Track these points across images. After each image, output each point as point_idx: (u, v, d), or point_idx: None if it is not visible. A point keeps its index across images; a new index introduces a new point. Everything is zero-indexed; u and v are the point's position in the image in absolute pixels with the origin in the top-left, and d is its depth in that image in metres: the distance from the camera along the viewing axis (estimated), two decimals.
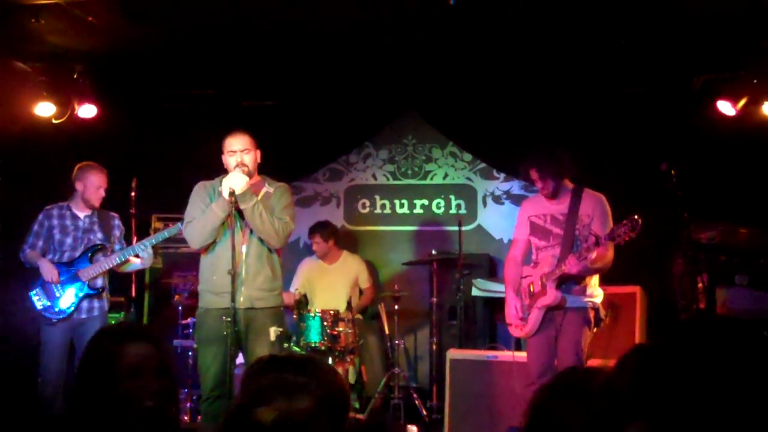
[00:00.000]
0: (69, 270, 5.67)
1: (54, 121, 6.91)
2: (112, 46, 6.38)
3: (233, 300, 4.59)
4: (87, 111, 6.95)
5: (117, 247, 5.82)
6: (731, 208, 6.50)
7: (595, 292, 5.03)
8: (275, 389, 2.08)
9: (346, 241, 7.79)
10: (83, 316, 5.68)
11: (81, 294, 5.67)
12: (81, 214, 5.80)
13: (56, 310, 5.61)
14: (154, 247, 5.80)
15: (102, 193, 5.85)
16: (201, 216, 4.88)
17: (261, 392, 2.08)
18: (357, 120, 7.72)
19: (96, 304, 5.76)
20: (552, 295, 4.93)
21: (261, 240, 4.83)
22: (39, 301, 5.61)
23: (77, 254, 5.72)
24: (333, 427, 2.10)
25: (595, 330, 5.06)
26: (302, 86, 7.41)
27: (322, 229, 7.42)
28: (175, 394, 2.53)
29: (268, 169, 7.41)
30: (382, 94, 7.48)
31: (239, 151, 4.89)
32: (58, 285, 5.63)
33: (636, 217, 4.54)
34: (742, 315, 5.51)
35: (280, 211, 4.91)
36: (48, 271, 5.58)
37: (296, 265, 7.52)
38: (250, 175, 4.87)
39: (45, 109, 6.80)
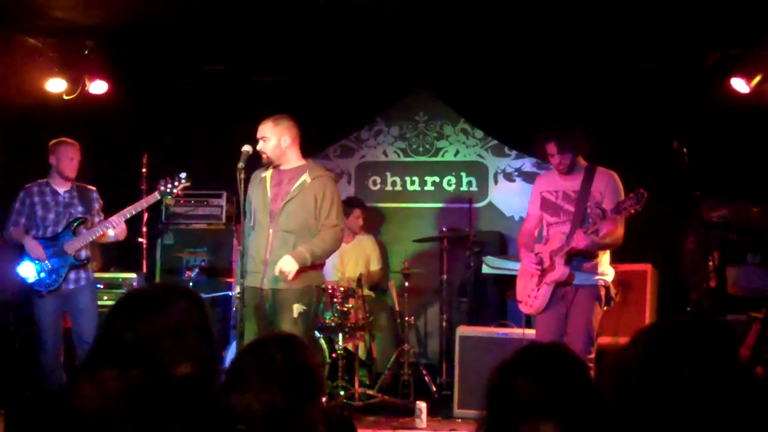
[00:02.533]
0: (54, 244, 5.75)
1: (65, 97, 6.92)
2: (123, 21, 6.37)
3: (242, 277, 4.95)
4: (98, 87, 6.96)
5: (96, 219, 5.89)
6: (744, 186, 6.46)
7: (606, 270, 5.01)
8: (249, 376, 2.16)
9: None
10: (71, 286, 5.78)
11: (67, 266, 5.76)
12: (60, 190, 5.87)
13: (46, 283, 5.71)
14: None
15: (75, 164, 5.90)
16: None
17: (237, 378, 2.17)
18: (368, 96, 7.69)
19: (82, 274, 5.84)
20: (560, 271, 4.91)
21: (284, 228, 5.03)
22: (26, 275, 5.69)
23: (60, 228, 5.80)
24: (302, 408, 2.17)
25: (605, 308, 5.05)
26: (313, 62, 7.38)
27: (360, 203, 7.44)
28: (216, 360, 2.30)
29: None
30: (394, 71, 7.44)
31: (259, 139, 5.14)
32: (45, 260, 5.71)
33: (641, 190, 4.54)
34: (752, 294, 5.50)
35: (328, 216, 5.06)
36: (34, 249, 5.67)
37: None
38: (270, 162, 5.14)
39: (56, 85, 6.81)
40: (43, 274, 5.70)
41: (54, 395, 5.72)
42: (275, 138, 5.14)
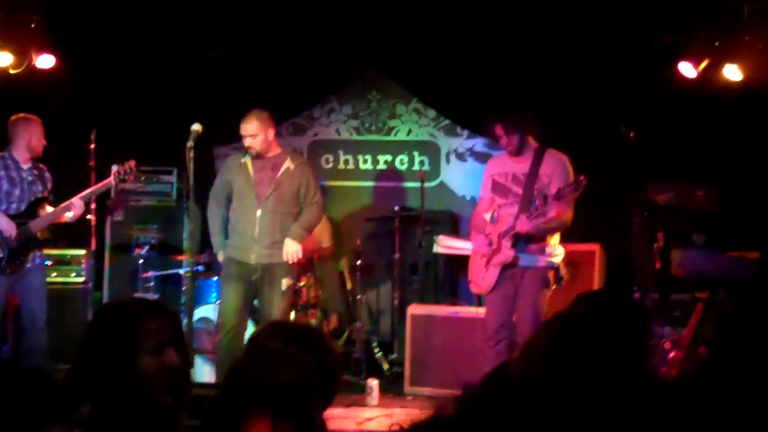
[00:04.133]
0: (19, 223, 5.62)
1: (11, 71, 6.76)
2: None
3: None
4: (45, 61, 6.80)
5: (51, 198, 5.82)
6: (691, 170, 6.60)
7: (555, 251, 5.10)
8: (275, 357, 2.16)
9: None
10: (28, 265, 5.69)
11: (33, 246, 5.69)
12: (24, 166, 5.75)
13: (12, 261, 5.60)
14: None
15: (44, 142, 5.84)
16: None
17: (263, 355, 2.17)
18: (321, 74, 7.66)
19: (38, 254, 5.78)
20: (506, 253, 4.99)
21: (273, 210, 5.52)
22: None
23: (23, 207, 5.69)
24: (323, 399, 2.19)
25: (554, 287, 5.14)
26: (266, 39, 7.32)
27: None
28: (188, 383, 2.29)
29: (229, 123, 7.40)
30: (347, 49, 7.42)
31: (248, 137, 5.51)
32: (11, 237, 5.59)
33: (581, 177, 4.68)
34: (697, 275, 5.63)
35: (312, 196, 5.66)
36: (6, 225, 5.53)
37: None
38: (259, 155, 5.53)
39: (2, 59, 6.65)
40: (9, 253, 5.57)
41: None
42: (262, 133, 5.53)
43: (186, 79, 7.55)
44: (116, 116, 7.42)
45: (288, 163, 5.58)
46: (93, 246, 6.86)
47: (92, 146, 6.62)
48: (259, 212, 5.51)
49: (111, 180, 5.84)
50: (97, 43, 7.26)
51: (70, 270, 6.89)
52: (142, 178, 7.20)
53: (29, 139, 5.72)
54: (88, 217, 6.73)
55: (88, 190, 5.75)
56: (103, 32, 7.14)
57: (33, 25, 6.59)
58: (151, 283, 6.77)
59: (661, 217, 5.78)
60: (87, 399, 2.20)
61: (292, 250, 5.49)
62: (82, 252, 6.86)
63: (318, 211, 5.77)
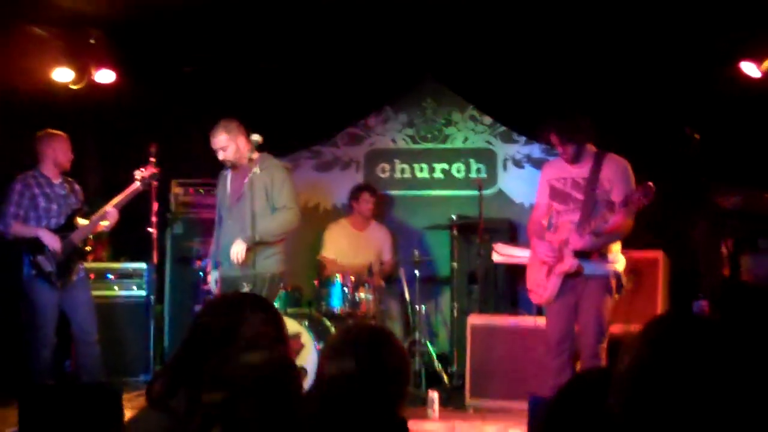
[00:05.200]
0: (62, 236, 5.73)
1: (72, 87, 6.89)
2: (128, 10, 6.34)
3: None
4: (105, 76, 6.93)
5: (85, 209, 5.93)
6: (756, 173, 6.40)
7: (617, 258, 4.96)
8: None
9: None
10: (74, 278, 5.79)
11: (78, 258, 5.80)
12: (55, 181, 5.85)
13: (60, 274, 5.71)
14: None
15: (71, 156, 5.94)
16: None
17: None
18: (376, 83, 7.64)
19: (81, 266, 5.89)
20: (569, 263, 4.86)
21: (241, 222, 5.42)
22: (45, 267, 5.65)
23: (62, 221, 5.80)
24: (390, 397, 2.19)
25: (616, 297, 5.02)
26: (323, 49, 7.33)
27: (368, 187, 7.45)
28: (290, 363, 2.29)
29: (286, 133, 7.44)
30: (402, 58, 7.39)
31: (219, 149, 5.51)
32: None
33: (650, 183, 4.49)
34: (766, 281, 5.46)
35: (284, 201, 5.50)
36: (52, 240, 5.63)
37: (319, 232, 7.51)
38: (235, 165, 5.53)
39: (63, 75, 6.78)
40: (57, 266, 5.67)
41: (62, 386, 5.78)
42: (233, 143, 5.52)
43: (242, 91, 7.60)
44: (175, 129, 7.50)
45: (256, 169, 5.40)
46: (155, 259, 6.94)
47: (151, 159, 6.70)
48: (229, 223, 5.55)
49: (137, 185, 5.88)
50: (155, 57, 7.35)
51: (132, 283, 6.98)
52: (201, 191, 7.27)
53: (55, 155, 5.84)
54: (149, 230, 6.82)
55: (118, 198, 5.85)
56: (161, 46, 7.22)
57: (93, 41, 6.71)
58: (211, 295, 6.81)
59: (729, 222, 5.61)
60: (184, 386, 2.24)
61: (234, 249, 5.36)
62: (143, 265, 6.94)
63: (284, 217, 5.53)
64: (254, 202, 5.35)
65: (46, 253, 5.65)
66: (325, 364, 2.29)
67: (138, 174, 5.85)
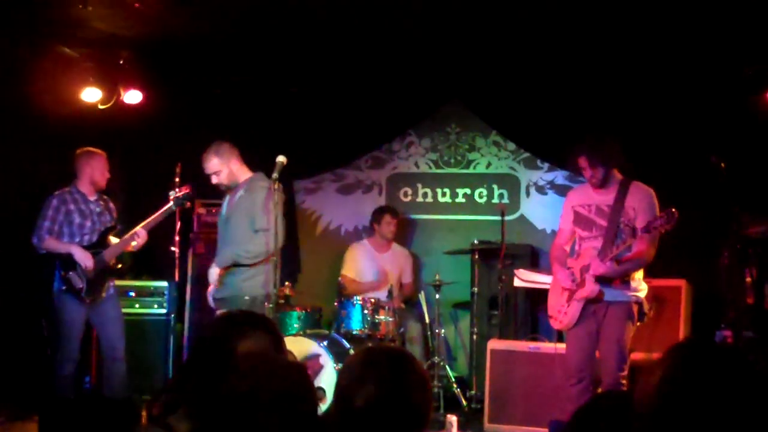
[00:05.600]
0: (94, 253, 5.76)
1: (100, 107, 6.99)
2: (157, 32, 6.42)
3: None
4: (132, 97, 7.03)
5: (118, 228, 5.97)
6: None
7: (640, 286, 4.93)
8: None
9: None
10: (104, 295, 5.82)
11: (109, 275, 5.84)
12: (91, 198, 5.90)
13: (90, 291, 5.73)
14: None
15: (107, 175, 6.00)
16: None
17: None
18: (400, 108, 7.68)
19: (112, 283, 5.92)
20: (590, 288, 4.84)
21: (227, 242, 5.41)
22: (76, 283, 5.69)
23: (95, 238, 5.83)
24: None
25: (638, 324, 4.98)
26: (348, 73, 7.39)
27: (390, 209, 7.46)
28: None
29: (309, 156, 7.48)
30: (426, 83, 7.43)
31: (211, 175, 5.45)
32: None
33: (673, 209, 4.48)
34: None
35: (262, 223, 5.24)
36: (84, 257, 5.67)
37: (339, 253, 7.54)
38: (229, 188, 5.48)
39: (91, 95, 6.89)
40: (87, 283, 5.71)
41: (82, 401, 5.82)
42: (225, 167, 5.45)
43: (267, 113, 7.67)
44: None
45: (242, 191, 5.40)
46: (176, 278, 6.99)
47: (177, 179, 6.76)
48: (218, 246, 5.52)
49: (170, 205, 5.87)
50: (183, 78, 7.45)
51: (153, 302, 7.02)
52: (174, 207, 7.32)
53: (92, 172, 5.89)
54: (172, 249, 6.87)
55: (150, 219, 5.85)
56: (188, 68, 7.32)
57: (121, 62, 6.81)
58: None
59: (754, 251, 5.56)
60: (184, 404, 2.25)
61: (209, 272, 5.39)
62: (165, 284, 6.98)
63: (258, 240, 5.25)
64: (237, 224, 5.34)
65: (77, 270, 5.69)
66: (346, 392, 2.20)
67: (172, 194, 5.86)
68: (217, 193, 6.86)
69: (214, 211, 7.34)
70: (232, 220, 5.39)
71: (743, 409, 1.56)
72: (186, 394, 2.32)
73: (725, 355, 1.65)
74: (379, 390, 2.15)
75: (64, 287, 5.69)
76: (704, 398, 1.56)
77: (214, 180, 5.47)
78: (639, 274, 4.96)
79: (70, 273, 5.68)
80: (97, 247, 5.79)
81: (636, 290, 4.91)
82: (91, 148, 5.99)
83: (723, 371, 1.60)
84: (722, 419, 1.55)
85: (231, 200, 5.51)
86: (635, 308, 4.89)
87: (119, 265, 5.95)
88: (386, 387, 2.16)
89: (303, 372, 2.18)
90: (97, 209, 5.91)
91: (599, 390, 4.88)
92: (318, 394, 2.22)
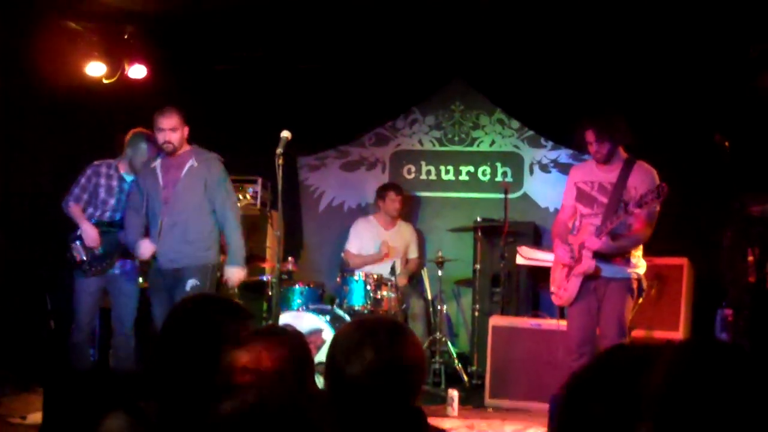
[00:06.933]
0: (109, 231, 5.74)
1: (105, 81, 6.99)
2: (163, 6, 6.42)
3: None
4: (137, 71, 7.03)
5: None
6: None
7: (639, 263, 4.96)
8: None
9: None
10: (116, 271, 5.79)
11: (118, 254, 5.77)
12: (128, 178, 5.86)
13: (94, 266, 5.72)
14: None
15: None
16: None
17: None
18: (404, 85, 7.67)
19: (129, 261, 5.84)
20: (587, 264, 4.86)
21: (180, 210, 5.36)
22: (79, 255, 5.72)
23: (117, 217, 5.79)
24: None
25: (639, 301, 5.01)
26: (351, 51, 7.38)
27: (395, 186, 7.47)
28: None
29: (313, 133, 7.49)
30: (430, 61, 7.42)
31: (168, 130, 5.32)
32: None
33: (663, 184, 4.52)
34: None
35: (227, 196, 5.44)
36: (90, 236, 5.67)
37: (343, 230, 7.56)
38: (175, 150, 5.38)
39: (96, 69, 6.89)
40: (92, 258, 5.73)
41: (87, 373, 5.86)
42: (180, 128, 5.40)
43: (273, 90, 7.66)
44: (205, 125, 7.56)
45: (192, 161, 5.38)
46: None
47: None
48: (164, 216, 5.37)
49: None
50: (188, 53, 7.44)
51: None
52: None
53: (132, 156, 5.81)
54: None
55: None
56: (194, 43, 7.31)
57: (126, 36, 6.80)
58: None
59: (756, 230, 5.57)
60: (158, 390, 2.25)
61: (236, 277, 5.44)
62: None
63: (239, 216, 5.52)
64: (193, 195, 5.37)
65: (83, 243, 5.72)
66: (343, 362, 2.20)
67: None
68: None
69: None
70: (185, 190, 5.36)
71: (747, 410, 1.55)
72: (158, 378, 2.31)
73: (729, 355, 1.64)
74: (378, 356, 2.17)
75: (68, 255, 5.73)
76: (708, 400, 1.56)
77: (167, 136, 5.33)
78: (638, 251, 4.98)
79: (75, 243, 5.70)
80: (117, 225, 5.79)
81: (635, 267, 4.94)
82: (145, 131, 5.86)
83: (727, 373, 1.60)
84: (725, 420, 1.55)
85: (172, 169, 5.40)
86: (635, 285, 4.92)
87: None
88: (384, 353, 2.18)
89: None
90: (130, 189, 5.83)
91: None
92: (319, 369, 2.23)
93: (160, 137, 5.37)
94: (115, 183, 5.81)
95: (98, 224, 5.74)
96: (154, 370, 2.36)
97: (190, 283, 5.30)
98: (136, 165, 5.78)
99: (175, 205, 5.36)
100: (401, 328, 2.36)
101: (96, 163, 5.83)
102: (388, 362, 2.20)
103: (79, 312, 5.74)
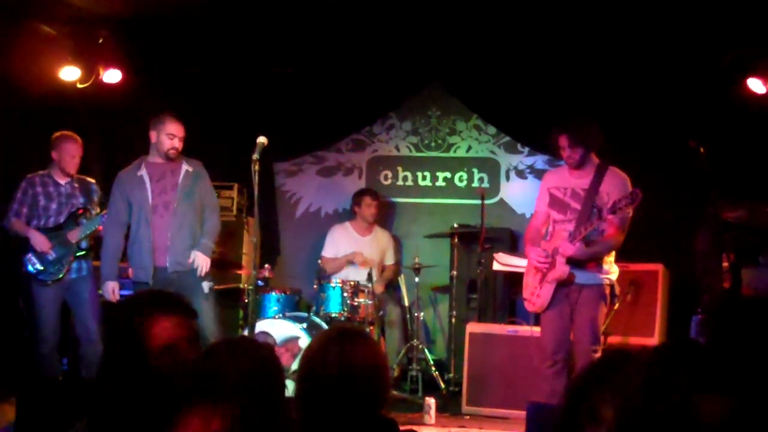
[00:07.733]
0: (57, 234, 5.83)
1: (79, 86, 6.92)
2: (137, 10, 6.38)
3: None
4: (112, 76, 6.96)
5: (97, 209, 5.96)
6: (760, 187, 6.40)
7: (612, 269, 4.98)
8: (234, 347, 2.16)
9: None
10: (73, 276, 5.86)
11: (71, 256, 5.84)
12: (62, 182, 5.93)
13: (50, 272, 5.79)
14: None
15: (77, 161, 6.00)
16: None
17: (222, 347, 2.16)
18: (381, 91, 7.66)
19: (84, 264, 5.94)
20: (560, 270, 4.87)
21: (183, 213, 5.43)
22: (33, 265, 5.75)
23: (62, 219, 5.88)
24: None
25: (615, 306, 5.02)
26: (327, 55, 7.35)
27: (371, 191, 7.46)
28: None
29: (290, 138, 7.46)
30: (407, 65, 7.40)
31: (179, 137, 5.44)
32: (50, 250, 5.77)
33: (637, 190, 4.55)
34: (766, 295, 5.45)
35: (211, 201, 5.62)
36: (39, 242, 5.76)
37: (320, 236, 7.53)
38: (169, 159, 5.47)
39: (70, 74, 6.82)
40: (47, 265, 5.74)
41: (60, 381, 5.80)
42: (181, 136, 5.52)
43: (248, 94, 7.62)
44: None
45: (186, 167, 5.52)
46: None
47: None
48: (169, 220, 5.39)
49: None
50: (163, 57, 7.38)
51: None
52: None
53: (59, 158, 5.91)
54: None
55: None
56: (169, 47, 7.25)
57: (101, 41, 6.74)
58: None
59: (731, 235, 5.60)
60: (110, 393, 2.24)
61: (200, 262, 5.40)
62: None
63: (219, 219, 5.70)
64: (193, 197, 5.47)
65: (36, 253, 5.73)
66: (306, 367, 2.28)
67: None
68: None
69: None
70: (187, 194, 5.45)
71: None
72: (108, 376, 2.32)
73: (707, 356, 1.64)
74: (336, 362, 2.22)
75: (24, 269, 5.74)
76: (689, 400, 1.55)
77: (176, 143, 5.44)
78: (611, 257, 4.99)
79: (28, 255, 5.75)
80: (62, 228, 5.82)
81: (608, 273, 4.96)
82: (64, 132, 5.98)
83: (708, 373, 1.59)
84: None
85: (167, 175, 5.46)
86: (608, 291, 4.94)
87: (87, 248, 5.93)
88: (340, 359, 2.23)
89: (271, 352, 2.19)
90: (67, 191, 5.91)
91: (573, 370, 4.91)
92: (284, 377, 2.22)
93: (168, 143, 5.42)
94: (51, 188, 5.92)
95: (45, 231, 5.78)
96: (101, 377, 2.38)
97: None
98: (65, 166, 5.80)
99: (179, 208, 5.41)
100: (359, 335, 2.37)
101: (29, 176, 5.94)
102: (345, 368, 2.22)
103: (42, 323, 5.78)
